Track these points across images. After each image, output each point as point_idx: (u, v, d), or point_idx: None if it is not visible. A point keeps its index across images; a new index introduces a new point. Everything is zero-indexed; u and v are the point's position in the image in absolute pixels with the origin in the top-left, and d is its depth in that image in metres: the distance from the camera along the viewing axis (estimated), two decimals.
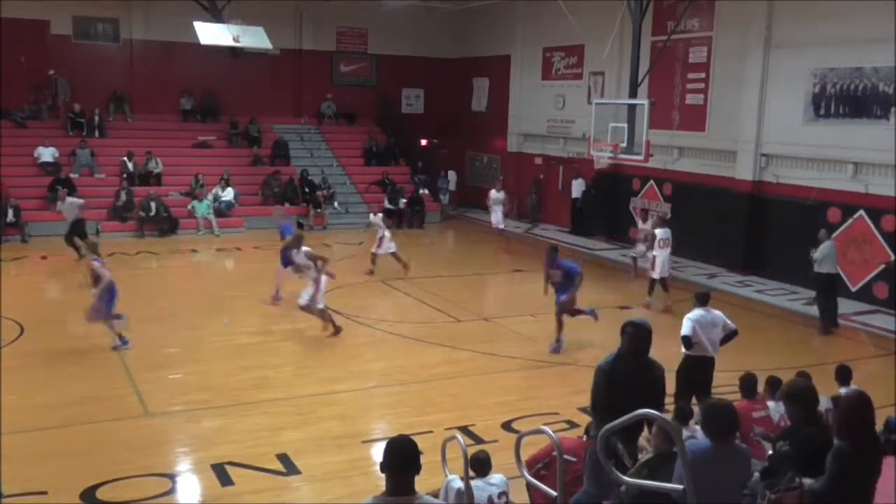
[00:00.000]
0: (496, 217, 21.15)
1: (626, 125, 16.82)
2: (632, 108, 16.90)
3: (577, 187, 22.83)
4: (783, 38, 16.93)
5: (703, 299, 8.96)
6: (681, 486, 4.08)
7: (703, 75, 19.08)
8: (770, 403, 7.49)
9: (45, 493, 7.31)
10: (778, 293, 16.27)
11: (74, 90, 23.75)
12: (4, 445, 8.15)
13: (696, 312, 8.79)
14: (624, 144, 16.74)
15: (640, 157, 16.59)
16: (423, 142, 28.15)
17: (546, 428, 6.01)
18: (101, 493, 7.44)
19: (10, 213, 19.93)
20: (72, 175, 21.92)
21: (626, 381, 5.78)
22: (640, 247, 16.87)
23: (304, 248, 13.31)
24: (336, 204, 24.04)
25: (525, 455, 6.25)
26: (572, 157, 23.21)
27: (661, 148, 19.03)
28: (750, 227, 17.77)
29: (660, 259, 14.75)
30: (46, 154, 22.19)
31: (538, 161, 25.16)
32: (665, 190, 20.15)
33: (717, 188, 18.42)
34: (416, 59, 27.66)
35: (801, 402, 4.94)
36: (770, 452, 5.25)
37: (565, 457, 5.64)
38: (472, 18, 26.83)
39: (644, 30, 17.64)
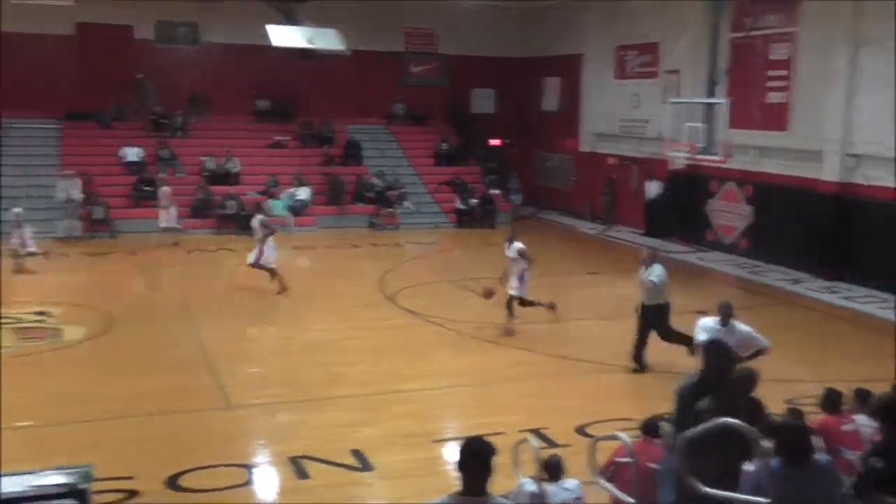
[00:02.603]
0: None
1: (702, 125, 16.47)
2: (709, 107, 16.59)
3: (652, 189, 22.48)
4: (872, 34, 16.31)
5: (722, 311, 8.80)
6: (765, 501, 4.00)
7: (785, 72, 18.50)
8: (859, 417, 7.10)
9: (130, 478, 7.59)
10: (867, 300, 15.58)
11: (157, 92, 24.52)
12: (96, 430, 8.55)
13: (711, 325, 8.65)
14: (701, 145, 16.39)
15: (718, 158, 16.21)
16: (494, 142, 28.13)
17: (621, 433, 5.96)
18: (183, 481, 7.69)
19: (100, 210, 20.73)
20: (158, 175, 22.65)
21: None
22: None
23: (517, 244, 13.31)
24: (407, 204, 24.23)
25: (600, 460, 6.21)
26: (647, 158, 22.88)
27: (739, 148, 18.56)
28: (836, 231, 17.11)
29: None
30: (131, 154, 22.99)
31: (612, 161, 24.88)
32: (746, 191, 19.64)
33: (801, 190, 17.80)
34: (486, 58, 27.64)
35: None
36: (861, 468, 5.07)
37: (649, 464, 5.59)
38: (543, 17, 26.70)
39: (722, 26, 17.24)
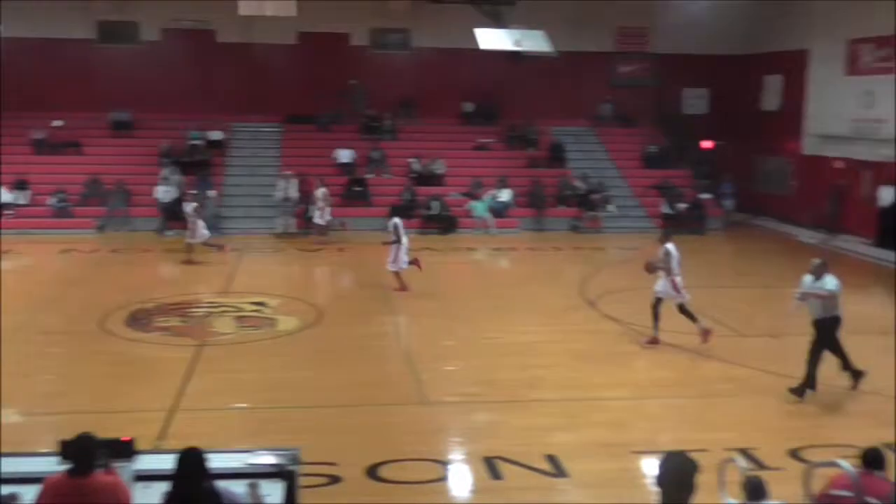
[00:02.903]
0: None
1: None
2: None
3: (887, 195, 20.46)
4: None
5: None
6: None
7: None
8: None
9: (334, 464, 7.87)
10: None
11: (369, 96, 25.62)
12: (305, 416, 8.98)
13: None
14: None
15: None
16: (706, 144, 26.81)
17: (842, 462, 5.37)
18: (382, 471, 7.87)
19: (313, 209, 21.91)
20: (367, 175, 23.69)
21: None
22: None
23: (668, 246, 13.03)
24: (611, 207, 23.66)
25: (815, 489, 5.62)
26: (881, 162, 20.85)
27: None
28: None
29: None
30: (344, 156, 24.19)
31: (838, 165, 22.92)
32: None
33: None
34: (699, 56, 26.41)
35: None
36: None
37: (870, 500, 4.99)
38: (764, 12, 25.09)
39: None
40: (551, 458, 8.20)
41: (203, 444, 5.27)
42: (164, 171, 22.47)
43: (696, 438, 8.60)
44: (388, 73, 25.95)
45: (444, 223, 22.53)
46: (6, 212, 21.21)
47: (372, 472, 7.85)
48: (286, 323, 13.35)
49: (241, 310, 13.98)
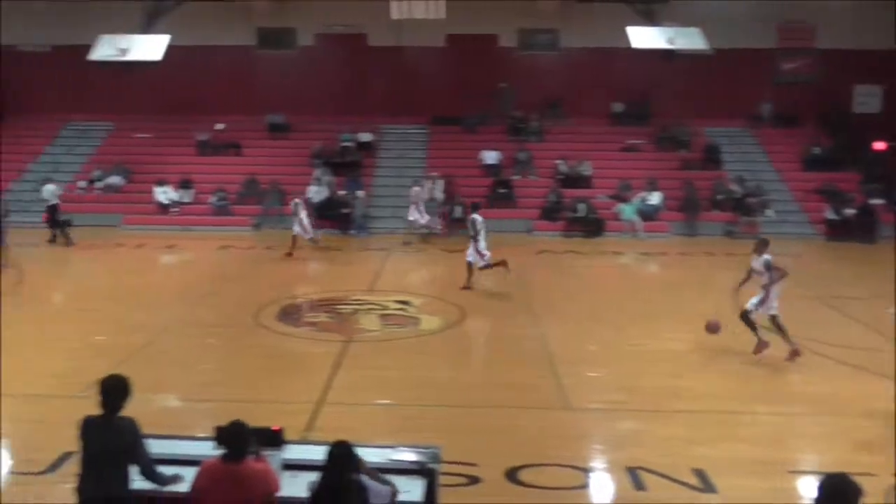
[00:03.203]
0: None
1: None
2: None
3: None
4: None
5: None
6: None
7: None
8: None
9: (474, 464, 7.84)
10: None
11: (516, 97, 25.57)
12: (446, 415, 9.02)
13: None
14: None
15: None
16: (878, 145, 24.95)
17: None
18: (522, 475, 7.76)
19: (458, 209, 22.12)
20: (512, 177, 23.66)
21: None
22: None
23: (765, 256, 12.47)
24: (770, 212, 22.49)
25: None
26: None
27: None
28: None
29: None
30: (490, 157, 24.25)
31: None
32: None
33: None
34: (873, 52, 24.66)
35: None
36: None
37: None
38: None
39: None
40: (698, 472, 7.82)
41: (347, 437, 5.35)
42: (316, 172, 23.30)
43: (857, 460, 7.98)
44: (535, 73, 25.83)
45: (591, 226, 22.14)
46: (172, 209, 22.67)
47: (512, 474, 7.76)
48: (429, 322, 13.48)
49: (386, 308, 14.24)
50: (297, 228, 18.74)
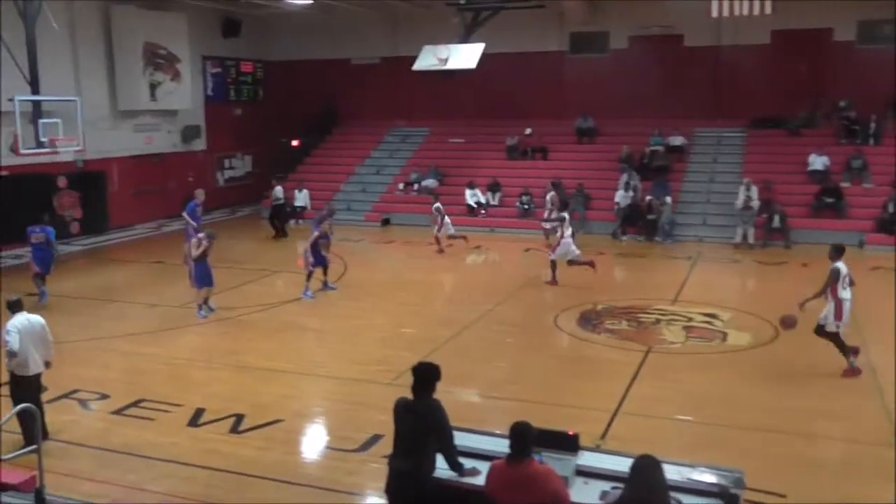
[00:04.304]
0: None
1: None
2: None
3: None
4: None
5: None
6: None
7: None
8: None
9: (783, 496, 7.13)
10: None
11: (851, 96, 23.14)
12: (752, 439, 8.32)
13: None
14: None
15: None
16: None
17: None
18: None
19: (777, 218, 20.48)
20: (842, 184, 21.43)
21: None
22: None
23: (838, 264, 10.63)
24: None
25: None
26: None
27: None
28: None
29: None
30: (818, 162, 22.13)
31: None
32: None
33: None
34: None
35: None
36: None
37: None
38: None
39: None
40: None
41: (642, 450, 5.10)
42: (624, 177, 22.93)
43: None
44: (875, 70, 23.10)
45: None
46: (480, 211, 23.60)
47: None
48: (738, 338, 12.59)
49: (691, 319, 13.56)
50: (444, 230, 19.74)
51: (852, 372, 10.55)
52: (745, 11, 19.65)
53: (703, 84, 24.67)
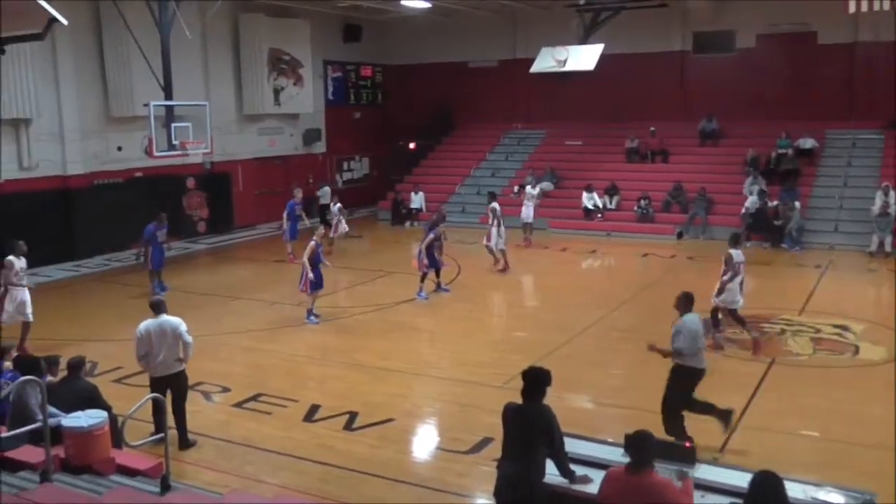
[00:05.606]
0: None
1: None
2: None
3: None
4: None
5: None
6: None
7: None
8: None
9: None
10: None
11: None
12: (883, 460, 7.80)
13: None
14: None
15: None
16: None
17: None
18: None
19: None
20: None
21: None
22: None
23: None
24: None
25: None
26: None
27: None
28: None
29: None
30: None
31: None
32: None
33: None
34: None
35: None
36: None
37: None
38: None
39: None
40: None
41: (763, 466, 4.86)
42: (748, 180, 22.05)
43: None
44: None
45: None
46: (596, 214, 23.20)
47: None
48: (871, 351, 11.86)
49: (819, 331, 12.87)
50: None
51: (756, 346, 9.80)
52: (886, 6, 18.55)
53: (838, 83, 23.48)
